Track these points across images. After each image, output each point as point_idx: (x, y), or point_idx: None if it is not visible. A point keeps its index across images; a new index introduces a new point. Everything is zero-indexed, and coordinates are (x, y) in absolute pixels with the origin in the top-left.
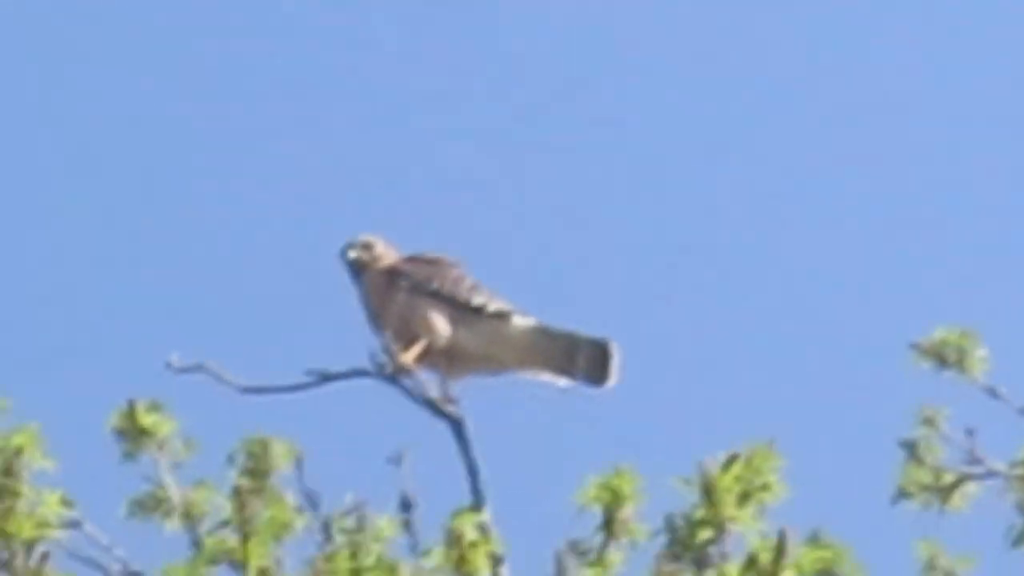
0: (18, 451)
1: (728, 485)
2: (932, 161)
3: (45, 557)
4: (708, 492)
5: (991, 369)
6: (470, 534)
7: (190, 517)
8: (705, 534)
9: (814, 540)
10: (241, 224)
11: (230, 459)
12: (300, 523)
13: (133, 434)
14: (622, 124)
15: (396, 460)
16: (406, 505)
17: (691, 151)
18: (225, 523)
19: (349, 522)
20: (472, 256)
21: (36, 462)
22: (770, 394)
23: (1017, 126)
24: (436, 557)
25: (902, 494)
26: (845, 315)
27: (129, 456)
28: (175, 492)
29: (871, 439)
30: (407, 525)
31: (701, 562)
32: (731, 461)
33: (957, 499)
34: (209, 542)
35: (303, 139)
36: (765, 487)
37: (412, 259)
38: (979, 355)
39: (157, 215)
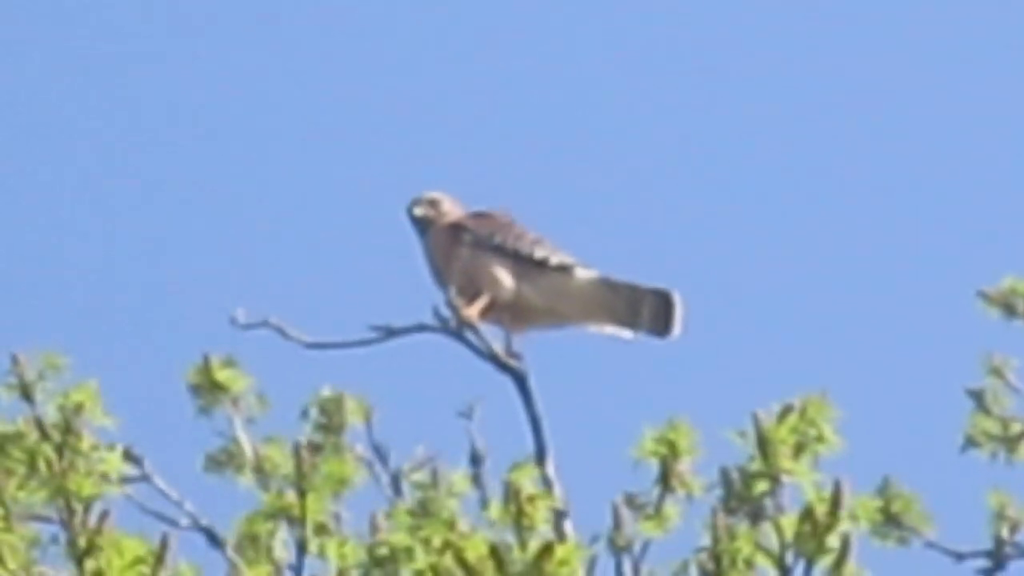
0: (78, 408)
1: (783, 437)
2: (1004, 106)
3: (104, 516)
4: (763, 445)
5: None
6: (528, 488)
7: (262, 472)
8: (760, 487)
9: (882, 490)
10: (306, 179)
11: (303, 415)
12: (360, 478)
13: (208, 389)
14: (677, 86)
15: (467, 414)
16: (476, 459)
17: (751, 97)
18: (285, 478)
19: (422, 476)
20: (535, 209)
21: (96, 419)
22: (836, 344)
23: None
24: (495, 511)
25: (970, 443)
26: (913, 263)
27: (204, 411)
28: (248, 447)
29: (939, 389)
30: (477, 479)
31: (757, 515)
32: (785, 413)
33: None
34: (268, 498)
35: (369, 91)
36: (820, 439)
37: (475, 215)
38: None
39: (225, 171)
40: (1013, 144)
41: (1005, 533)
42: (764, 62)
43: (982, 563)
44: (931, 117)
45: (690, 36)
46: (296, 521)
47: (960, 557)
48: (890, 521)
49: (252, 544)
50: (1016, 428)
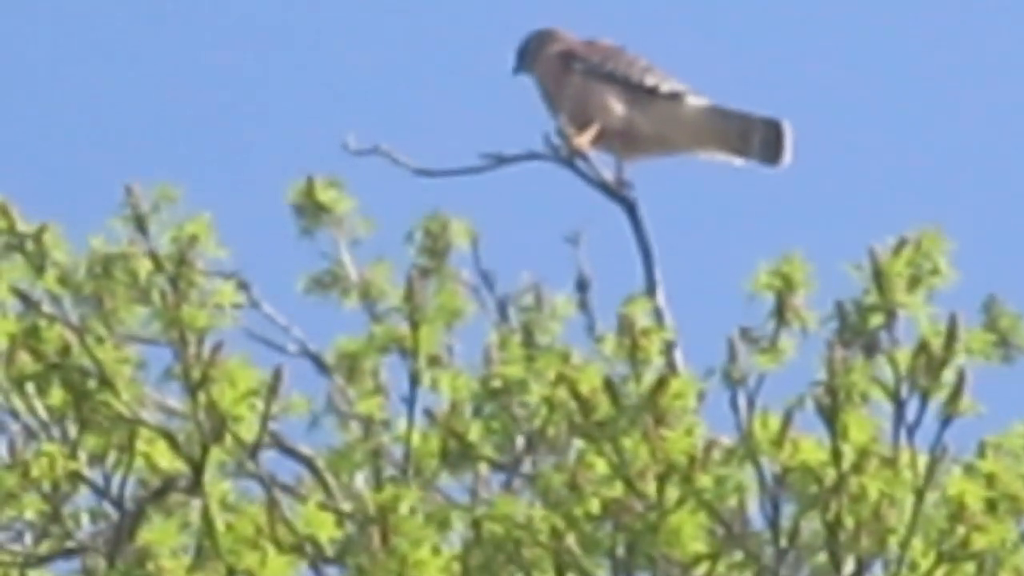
0: (192, 240)
1: (898, 270)
2: None
3: (218, 347)
4: (878, 278)
5: None
6: (642, 321)
7: (368, 296)
8: (875, 320)
9: (988, 308)
10: (421, 5)
11: (408, 237)
12: (472, 309)
13: (311, 210)
14: None
15: (573, 240)
16: (582, 285)
17: None
18: (397, 309)
19: (526, 300)
20: (645, 38)
21: (210, 251)
22: (945, 171)
23: None
24: (609, 344)
25: None
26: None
27: (306, 232)
28: (352, 270)
29: None
30: (583, 305)
31: (871, 348)
32: (901, 246)
33: None
34: (378, 329)
35: None
36: (935, 271)
37: (586, 43)
38: None
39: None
40: None
41: None
42: None
43: None
44: None
45: None
46: (408, 353)
47: None
48: (996, 339)
49: (357, 370)
50: None
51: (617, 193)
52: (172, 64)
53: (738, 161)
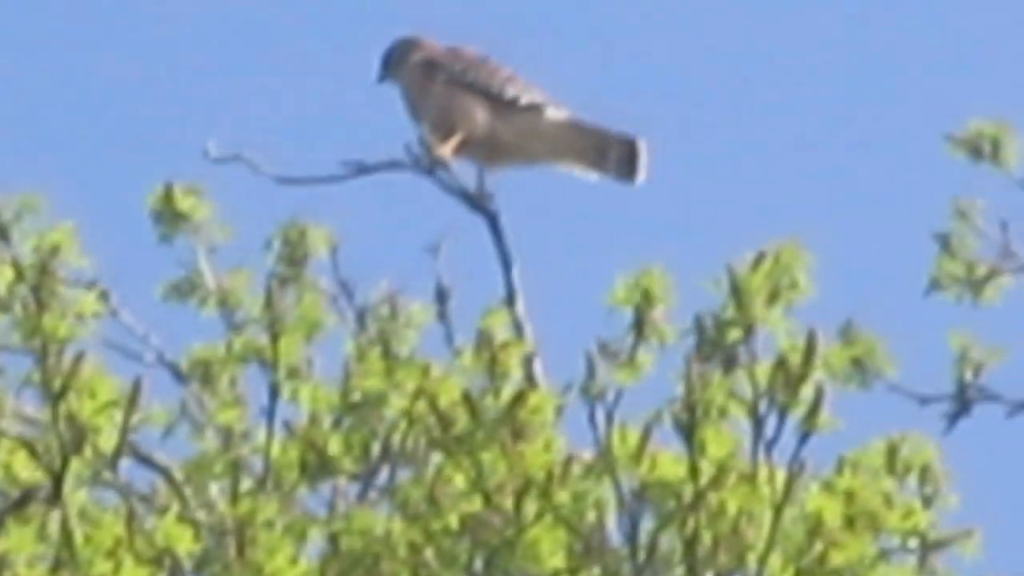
0: (54, 250)
1: (756, 285)
2: None
3: (80, 358)
4: (736, 292)
5: None
6: (501, 334)
7: (226, 304)
8: (734, 335)
9: (845, 332)
10: (283, 15)
11: (267, 245)
12: (332, 320)
13: (169, 217)
14: None
15: (433, 250)
16: (441, 296)
17: None
18: (256, 320)
19: (383, 309)
20: (512, 50)
21: (72, 260)
22: (801, 189)
23: None
24: (467, 357)
25: (935, 286)
26: (878, 106)
27: (165, 239)
28: (211, 277)
29: (904, 232)
30: (442, 316)
31: (730, 362)
32: (759, 260)
33: (990, 292)
34: (238, 341)
35: None
36: (793, 286)
37: (449, 51)
38: (1015, 147)
39: (204, 5)
40: None
41: (968, 376)
42: None
43: (947, 407)
44: None
45: None
46: (268, 364)
47: (924, 401)
48: (852, 364)
49: (212, 378)
50: (981, 271)
51: (478, 204)
52: (33, 71)
53: (594, 176)
